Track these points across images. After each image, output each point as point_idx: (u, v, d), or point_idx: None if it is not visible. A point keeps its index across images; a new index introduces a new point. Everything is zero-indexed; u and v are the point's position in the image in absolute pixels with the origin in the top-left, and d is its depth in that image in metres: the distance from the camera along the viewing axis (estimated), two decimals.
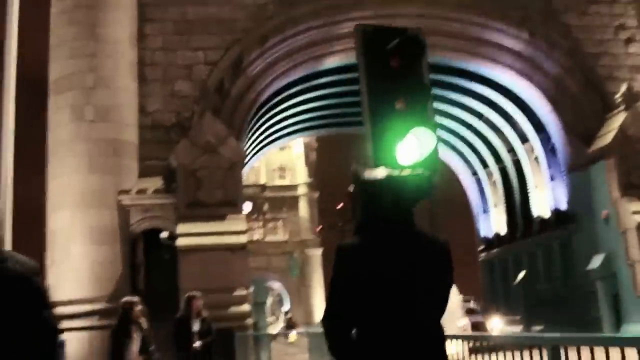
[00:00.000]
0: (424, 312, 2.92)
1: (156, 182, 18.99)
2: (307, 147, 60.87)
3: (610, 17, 24.33)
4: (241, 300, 17.30)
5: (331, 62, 23.17)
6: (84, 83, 19.44)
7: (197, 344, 10.35)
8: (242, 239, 17.77)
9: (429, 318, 2.95)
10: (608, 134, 22.08)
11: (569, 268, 24.00)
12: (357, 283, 2.87)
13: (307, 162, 61.38)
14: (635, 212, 20.62)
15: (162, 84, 20.66)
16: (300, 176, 60.64)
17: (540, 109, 24.40)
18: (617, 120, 22.29)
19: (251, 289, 18.23)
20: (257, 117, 22.97)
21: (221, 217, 18.11)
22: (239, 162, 18.89)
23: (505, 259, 28.59)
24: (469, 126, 28.61)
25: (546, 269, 25.49)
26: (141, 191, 18.73)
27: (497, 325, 24.11)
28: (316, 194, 61.01)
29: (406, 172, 3.13)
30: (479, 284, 32.65)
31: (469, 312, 24.84)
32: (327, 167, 62.91)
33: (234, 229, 17.86)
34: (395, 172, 3.11)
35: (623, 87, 22.51)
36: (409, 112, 6.15)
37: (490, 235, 30.31)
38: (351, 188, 3.21)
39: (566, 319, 22.20)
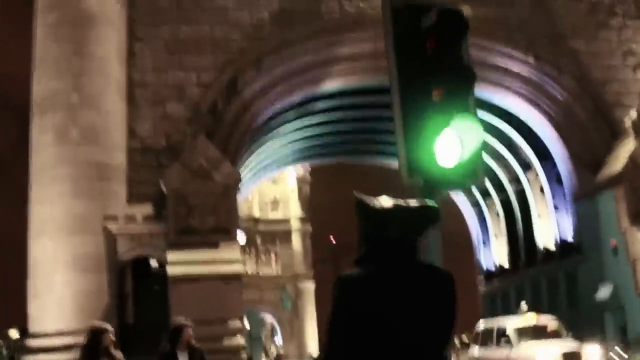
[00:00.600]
0: (429, 350, 2.74)
1: (145, 209, 17.70)
2: (301, 181, 60.29)
3: (618, 42, 23.41)
4: (235, 332, 15.92)
5: (329, 85, 22.09)
6: (69, 103, 18.20)
7: None
8: (237, 267, 16.48)
9: (435, 356, 2.76)
10: (617, 162, 21.01)
11: (574, 299, 22.72)
12: (359, 318, 2.67)
13: (301, 195, 60.78)
14: None
15: (153, 105, 19.48)
16: (293, 209, 59.89)
17: (546, 136, 23.34)
18: (626, 147, 21.25)
19: (245, 322, 16.84)
20: (252, 142, 21.78)
21: (214, 245, 16.83)
22: (234, 187, 17.65)
23: (507, 290, 27.29)
24: None
25: (551, 300, 24.18)
26: (130, 218, 17.43)
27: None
28: (309, 228, 60.20)
29: (413, 203, 2.88)
30: (478, 317, 31.27)
31: (463, 345, 23.45)
32: (321, 201, 62.26)
33: (228, 258, 16.58)
34: (401, 202, 2.86)
35: (632, 114, 21.49)
36: (448, 103, 4.97)
37: (492, 267, 29.04)
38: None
39: None
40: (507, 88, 22.80)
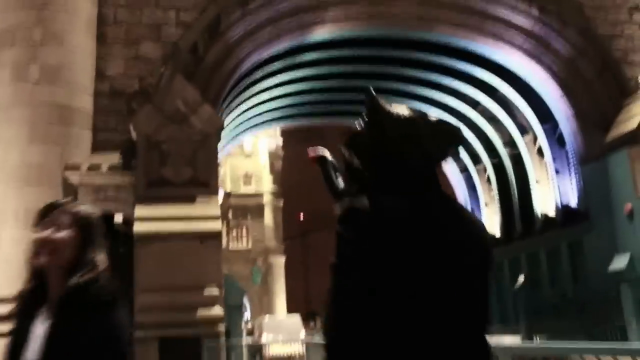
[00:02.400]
0: (473, 316, 1.94)
1: (112, 158, 14.77)
2: (273, 156, 58.29)
3: None
4: (212, 302, 13.15)
5: (320, 33, 19.25)
6: (31, 38, 15.19)
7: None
8: (216, 225, 13.67)
9: (478, 326, 1.95)
10: (631, 120, 18.50)
11: (579, 271, 20.30)
12: (393, 269, 1.81)
13: (273, 170, 58.76)
14: None
15: (125, 45, 16.45)
16: (265, 184, 57.79)
17: (548, 94, 20.75)
18: (637, 107, 18.78)
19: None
20: (235, 93, 18.90)
21: (190, 200, 14.00)
22: (214, 135, 14.81)
23: (500, 262, 24.77)
24: (461, 117, 24.85)
25: (551, 273, 21.75)
26: (94, 167, 14.50)
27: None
28: (281, 203, 58.16)
29: (431, 117, 2.11)
30: None
31: None
32: (292, 176, 60.22)
33: (206, 214, 13.78)
34: (419, 114, 2.08)
35: None
36: None
37: None
38: (359, 126, 2.10)
39: (578, 327, 18.40)
40: (509, 42, 20.10)
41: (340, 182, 2.73)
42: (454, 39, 20.36)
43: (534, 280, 22.45)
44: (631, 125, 18.32)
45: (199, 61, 16.32)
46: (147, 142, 14.28)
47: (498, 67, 21.28)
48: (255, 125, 24.69)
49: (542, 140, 22.00)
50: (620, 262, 17.40)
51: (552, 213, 21.84)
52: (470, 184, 27.31)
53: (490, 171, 25.43)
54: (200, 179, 14.21)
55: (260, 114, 23.39)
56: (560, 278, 21.08)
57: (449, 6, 19.46)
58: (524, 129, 23.04)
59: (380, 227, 1.85)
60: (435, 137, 2.06)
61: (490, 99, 23.13)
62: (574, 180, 20.84)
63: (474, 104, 24.04)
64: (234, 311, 15.32)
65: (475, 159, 26.42)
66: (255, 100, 21.65)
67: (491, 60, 21.10)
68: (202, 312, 12.86)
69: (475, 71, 22.01)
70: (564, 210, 21.14)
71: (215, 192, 14.20)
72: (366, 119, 2.08)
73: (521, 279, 22.85)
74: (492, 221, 25.84)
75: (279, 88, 22.06)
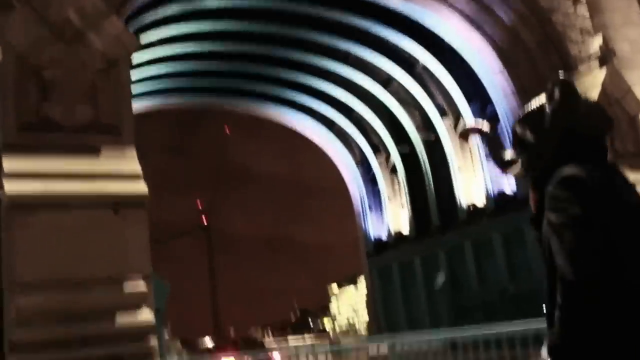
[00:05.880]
0: None
1: None
2: None
3: None
4: (138, 302, 8.19)
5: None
6: None
7: None
8: (138, 186, 8.73)
9: None
10: (584, 94, 16.10)
11: (521, 263, 17.46)
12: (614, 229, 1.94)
13: None
14: None
15: None
16: None
17: (484, 68, 17.89)
18: (589, 79, 16.48)
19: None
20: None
21: (91, 151, 8.94)
22: (125, 60, 9.83)
23: (409, 261, 21.51)
24: (364, 98, 21.43)
25: (481, 269, 18.77)
26: None
27: None
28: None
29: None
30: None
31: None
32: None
33: (120, 170, 8.81)
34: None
35: (597, 41, 16.80)
36: None
37: (384, 236, 23.14)
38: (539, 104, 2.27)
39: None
40: (450, 5, 17.08)
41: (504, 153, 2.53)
42: None
43: (457, 278, 19.40)
44: (590, 97, 15.93)
45: None
46: (20, 63, 9.01)
47: (426, 35, 18.12)
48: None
49: (468, 121, 19.09)
50: None
51: (480, 202, 18.95)
52: (369, 177, 23.89)
53: (397, 160, 22.17)
54: (103, 122, 9.19)
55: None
56: (495, 273, 18.13)
57: None
58: (443, 110, 20.08)
59: (595, 190, 1.98)
60: (603, 120, 2.24)
61: (408, 75, 19.90)
62: None
63: (386, 82, 20.68)
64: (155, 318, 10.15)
65: (376, 149, 23.08)
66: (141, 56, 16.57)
67: (421, 26, 17.86)
68: (124, 319, 7.89)
69: (396, 38, 18.65)
70: (496, 198, 18.31)
71: (130, 142, 9.24)
72: (558, 99, 2.18)
73: (441, 278, 19.72)
74: (396, 217, 22.57)
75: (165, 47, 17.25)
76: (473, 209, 19.07)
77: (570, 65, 17.32)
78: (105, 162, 8.84)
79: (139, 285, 8.15)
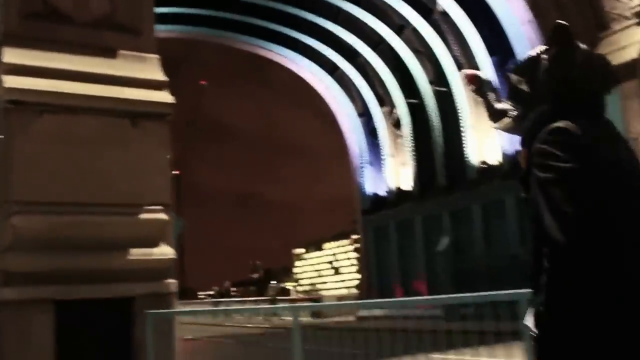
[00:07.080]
0: None
1: None
2: None
3: None
4: (156, 235, 6.84)
5: None
6: None
7: None
8: (161, 95, 7.30)
9: None
10: (625, 50, 14.99)
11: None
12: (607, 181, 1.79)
13: None
14: None
15: None
16: None
17: (512, 18, 16.63)
18: (628, 37, 15.39)
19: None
20: None
21: (106, 52, 7.44)
22: None
23: (409, 220, 20.40)
24: (372, 43, 20.01)
25: (489, 232, 17.74)
26: None
27: None
28: None
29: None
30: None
31: None
32: None
33: (140, 76, 7.36)
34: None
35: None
36: None
37: (383, 192, 21.94)
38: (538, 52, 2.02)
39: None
40: None
41: (496, 101, 2.29)
42: None
43: (462, 241, 18.36)
44: (628, 54, 14.79)
45: None
46: None
47: None
48: None
49: (490, 74, 17.85)
50: None
51: (494, 161, 17.84)
52: (370, 129, 22.59)
53: (404, 113, 20.89)
54: (120, 20, 7.68)
55: None
56: (505, 238, 17.12)
57: None
58: (460, 62, 18.79)
59: (586, 145, 1.84)
60: (608, 74, 2.04)
61: (425, 22, 18.53)
62: None
63: (399, 29, 19.27)
64: None
65: (381, 99, 21.75)
66: None
67: None
68: (139, 253, 6.54)
69: None
70: (513, 157, 17.21)
71: (151, 46, 7.77)
72: (555, 47, 2.02)
73: (445, 240, 18.67)
74: (397, 174, 21.38)
75: None
76: (484, 169, 17.94)
77: (605, 21, 16.21)
78: (123, 65, 7.35)
79: (158, 214, 6.78)
